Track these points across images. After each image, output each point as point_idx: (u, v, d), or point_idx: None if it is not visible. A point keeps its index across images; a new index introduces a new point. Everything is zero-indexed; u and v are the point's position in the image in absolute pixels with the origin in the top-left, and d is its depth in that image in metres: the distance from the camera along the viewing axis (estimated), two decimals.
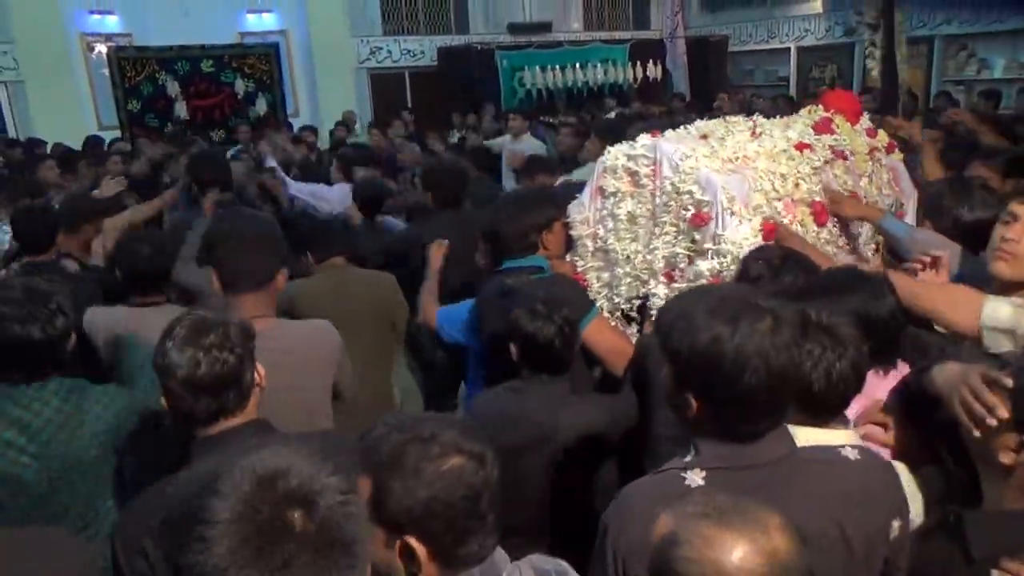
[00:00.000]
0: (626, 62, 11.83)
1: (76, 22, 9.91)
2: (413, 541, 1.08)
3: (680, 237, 2.34)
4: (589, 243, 2.59)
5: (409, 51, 11.98)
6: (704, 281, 2.21)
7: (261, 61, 10.53)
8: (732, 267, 2.15)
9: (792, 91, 11.79)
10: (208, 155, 5.31)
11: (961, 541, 1.27)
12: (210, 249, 2.19)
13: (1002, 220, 1.93)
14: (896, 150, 2.97)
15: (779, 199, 2.32)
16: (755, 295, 1.30)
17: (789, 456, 1.28)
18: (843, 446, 1.35)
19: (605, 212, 2.54)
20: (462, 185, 3.89)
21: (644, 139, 2.51)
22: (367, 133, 9.06)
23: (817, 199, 2.44)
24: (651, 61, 11.95)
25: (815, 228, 2.41)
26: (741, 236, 2.20)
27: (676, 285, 2.31)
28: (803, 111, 2.91)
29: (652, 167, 2.42)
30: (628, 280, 2.48)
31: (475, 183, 4.52)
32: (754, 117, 2.84)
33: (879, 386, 1.66)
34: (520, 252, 2.48)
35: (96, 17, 10.10)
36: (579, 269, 2.63)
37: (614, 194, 2.51)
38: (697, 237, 2.30)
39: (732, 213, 2.24)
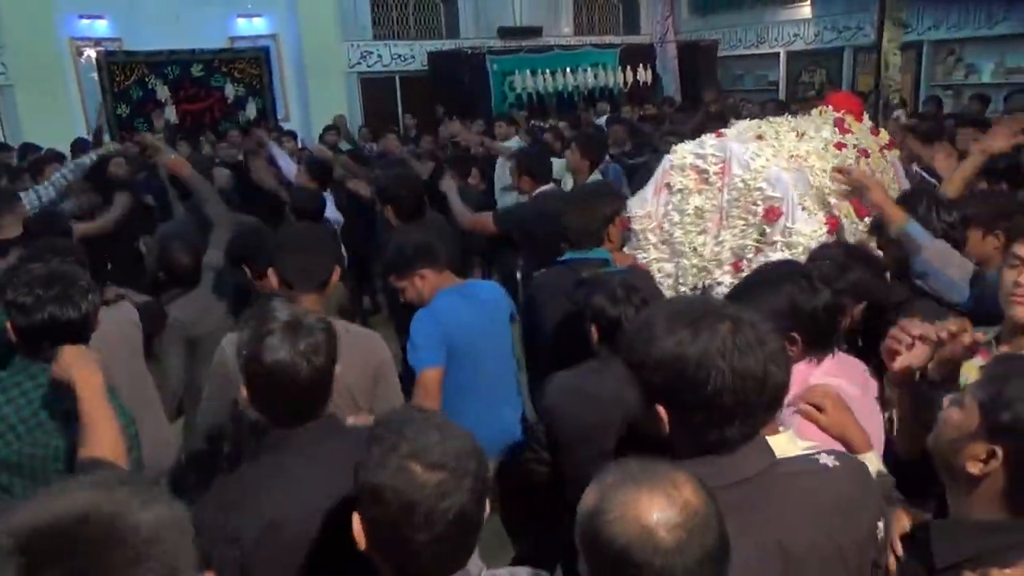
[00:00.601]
0: (616, 66, 11.85)
1: (66, 27, 9.86)
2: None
3: (749, 230, 2.54)
4: (652, 236, 2.78)
5: (400, 56, 11.97)
6: None
7: (251, 65, 10.51)
8: (802, 257, 2.28)
9: (781, 95, 11.83)
10: (194, 160, 5.29)
11: (926, 551, 1.28)
12: (277, 250, 2.35)
13: (1008, 264, 1.88)
14: (895, 148, 3.15)
15: (833, 194, 2.54)
16: (713, 301, 1.30)
17: (771, 469, 1.26)
18: (819, 453, 1.34)
19: (671, 207, 2.73)
20: (420, 193, 3.79)
21: (711, 139, 2.75)
22: (358, 136, 9.12)
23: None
24: (641, 65, 11.98)
25: (857, 220, 2.58)
26: (811, 229, 2.44)
27: (743, 274, 2.44)
28: (815, 111, 3.09)
29: (721, 165, 2.63)
30: (694, 270, 2.66)
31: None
32: (786, 117, 3.04)
33: (812, 374, 1.71)
34: (588, 244, 2.67)
35: (86, 22, 10.06)
36: (641, 260, 2.77)
37: (681, 190, 2.71)
38: (767, 230, 2.50)
39: (803, 208, 2.47)
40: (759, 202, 2.53)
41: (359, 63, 11.70)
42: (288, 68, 11.31)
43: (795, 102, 9.99)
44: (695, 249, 2.67)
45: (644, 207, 2.83)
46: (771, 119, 3.01)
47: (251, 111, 10.41)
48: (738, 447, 1.24)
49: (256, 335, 1.52)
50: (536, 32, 12.70)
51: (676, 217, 2.71)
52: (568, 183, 4.70)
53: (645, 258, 2.81)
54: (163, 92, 9.91)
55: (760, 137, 2.72)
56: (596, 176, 4.69)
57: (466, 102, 10.47)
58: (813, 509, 1.24)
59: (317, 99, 11.03)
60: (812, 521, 1.23)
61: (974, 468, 1.25)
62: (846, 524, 1.26)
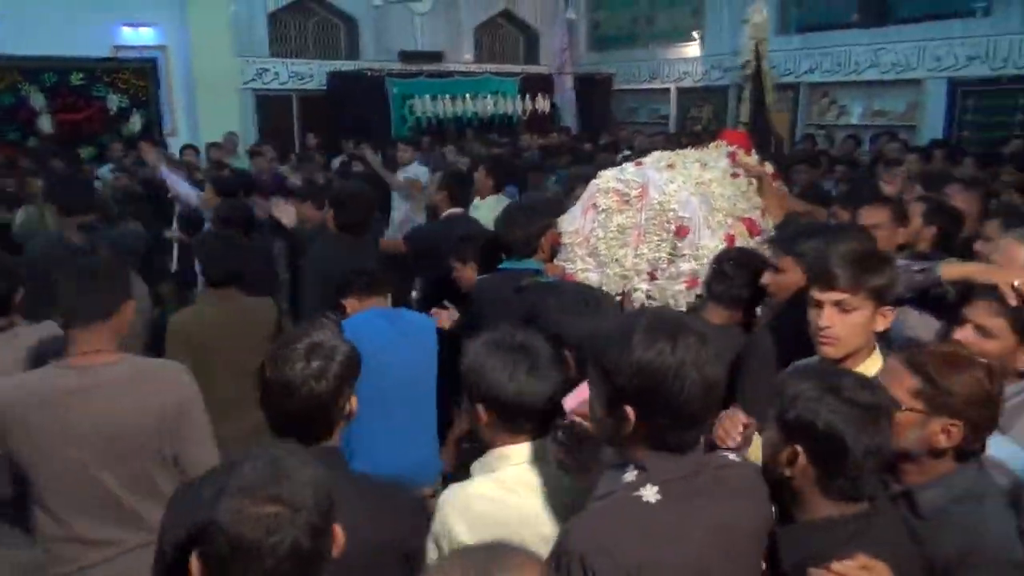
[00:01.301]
0: (516, 95, 12.04)
1: None
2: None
3: (663, 244, 2.97)
4: (579, 249, 3.10)
5: (297, 74, 11.76)
6: (684, 278, 2.89)
7: (136, 76, 10.05)
8: (705, 266, 2.74)
9: (672, 128, 12.33)
10: (68, 178, 4.97)
11: (773, 555, 1.43)
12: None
13: (812, 305, 1.97)
14: (779, 179, 3.65)
15: (729, 215, 3.00)
16: (683, 317, 1.43)
17: (707, 462, 1.41)
18: (723, 452, 1.51)
19: (597, 224, 3.09)
20: (370, 212, 3.83)
21: (631, 167, 3.19)
22: (247, 155, 8.84)
23: (747, 216, 3.08)
24: (540, 95, 12.22)
25: (749, 238, 3.02)
26: (714, 244, 2.88)
27: (657, 282, 2.95)
28: (712, 146, 3.52)
29: (639, 189, 3.04)
30: (617, 278, 3.02)
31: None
32: (689, 150, 3.49)
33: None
34: (524, 255, 3.01)
35: None
36: (570, 271, 3.08)
37: (605, 210, 3.08)
38: (678, 245, 2.93)
39: (708, 227, 2.93)
40: (672, 221, 2.96)
41: (254, 79, 11.43)
42: (177, 81, 10.86)
43: (685, 135, 10.43)
44: (617, 260, 3.04)
45: (573, 224, 3.16)
46: (678, 152, 3.41)
47: (135, 124, 9.93)
48: (691, 448, 1.37)
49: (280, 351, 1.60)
50: (437, 57, 12.76)
51: (601, 233, 3.07)
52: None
53: (573, 268, 3.11)
54: (38, 100, 9.31)
55: (671, 166, 3.16)
56: (500, 196, 4.83)
57: (365, 124, 10.36)
58: (740, 493, 1.40)
59: (208, 114, 10.63)
60: (742, 503, 1.39)
61: (788, 471, 1.42)
62: (760, 503, 1.44)
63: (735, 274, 2.52)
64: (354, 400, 1.67)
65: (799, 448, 1.39)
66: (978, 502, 1.53)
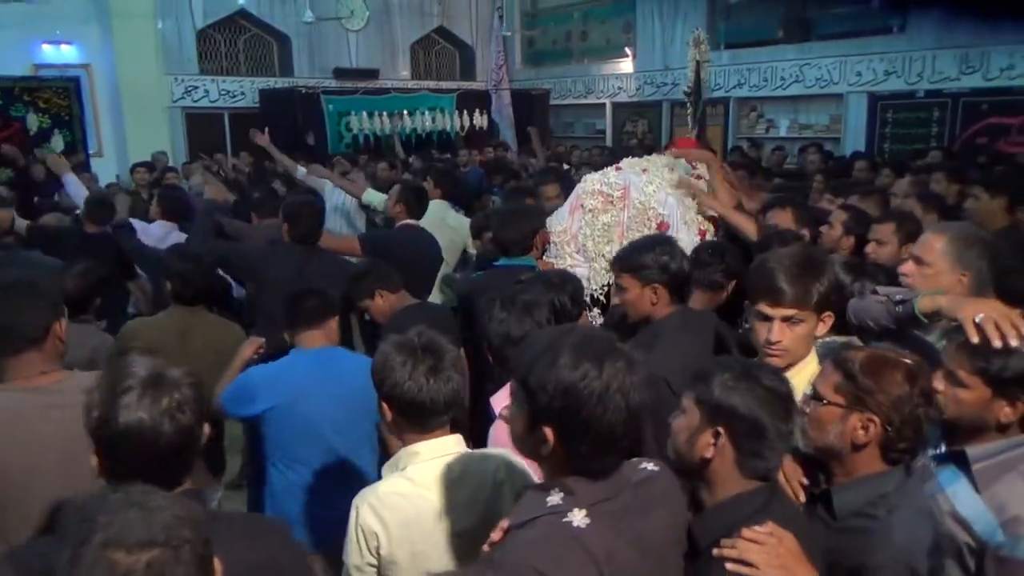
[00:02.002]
0: (453, 111, 12.03)
1: None
2: None
3: None
4: (568, 247, 3.49)
5: (228, 92, 11.58)
6: None
7: (58, 95, 9.65)
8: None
9: (608, 142, 12.50)
10: None
11: (690, 538, 1.47)
12: None
13: (759, 319, 2.02)
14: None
15: (699, 214, 3.49)
16: (613, 337, 1.38)
17: (628, 478, 1.40)
18: (643, 461, 1.48)
19: (584, 223, 3.48)
20: (321, 222, 3.88)
21: (612, 171, 3.60)
22: (180, 173, 8.59)
23: (713, 215, 3.53)
24: (477, 111, 12.23)
25: (716, 235, 3.50)
26: (689, 239, 3.29)
27: None
28: (666, 153, 3.89)
29: (621, 191, 3.46)
30: (603, 272, 3.37)
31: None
32: (655, 156, 3.88)
33: None
34: (518, 253, 3.34)
35: None
36: (559, 266, 3.38)
37: (592, 210, 3.48)
38: None
39: (684, 223, 3.39)
40: (652, 219, 3.39)
41: (183, 98, 11.20)
42: (102, 100, 10.50)
43: (620, 149, 10.60)
44: (603, 255, 3.39)
45: (561, 224, 3.57)
46: (647, 157, 3.83)
47: (57, 144, 9.50)
48: (612, 471, 1.35)
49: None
50: (372, 74, 12.70)
51: (588, 231, 3.47)
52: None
53: (563, 264, 3.44)
54: None
55: (645, 170, 3.60)
56: (443, 201, 4.88)
57: (300, 142, 10.20)
58: (661, 503, 1.42)
59: (135, 134, 10.31)
60: (664, 514, 1.42)
61: (708, 452, 1.47)
62: (679, 509, 1.48)
63: (711, 261, 2.86)
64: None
65: (721, 429, 1.47)
66: (889, 511, 1.58)
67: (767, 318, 1.99)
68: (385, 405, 1.71)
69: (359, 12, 12.70)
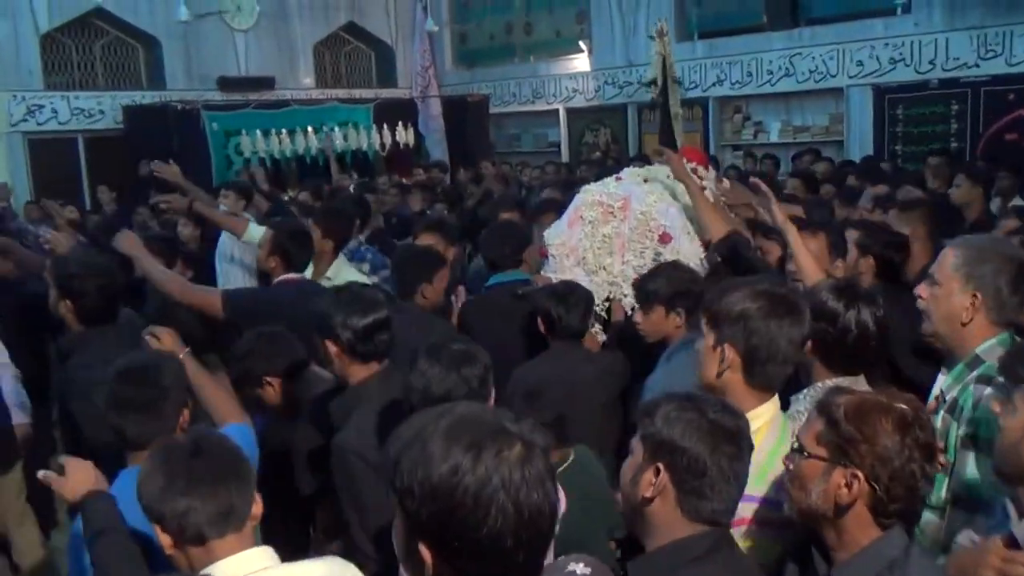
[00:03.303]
0: (371, 125, 11.93)
1: None
2: None
3: (647, 251, 3.90)
4: (567, 260, 4.03)
5: (83, 110, 11.45)
6: None
7: None
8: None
9: (564, 157, 12.56)
10: None
11: None
12: None
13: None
14: None
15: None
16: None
17: None
18: (570, 562, 1.55)
19: (584, 235, 4.02)
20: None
21: (612, 181, 4.22)
22: (23, 213, 8.42)
23: None
24: (400, 124, 12.15)
25: None
26: (693, 249, 3.85)
27: None
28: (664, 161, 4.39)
29: (622, 201, 4.00)
30: (605, 285, 3.93)
31: None
32: (656, 165, 4.40)
33: None
34: (510, 267, 3.99)
35: None
36: (556, 280, 3.88)
37: (592, 221, 4.01)
38: (661, 250, 3.86)
39: (687, 233, 3.88)
40: (654, 229, 3.89)
41: (25, 119, 11.08)
42: None
43: (581, 163, 10.63)
44: (605, 268, 3.94)
45: (560, 237, 4.11)
46: (648, 167, 4.44)
47: None
48: None
49: None
50: (267, 83, 12.64)
51: (588, 243, 3.99)
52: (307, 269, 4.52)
53: (562, 278, 3.91)
54: None
55: (647, 180, 4.16)
56: (341, 261, 4.66)
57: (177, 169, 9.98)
58: None
59: None
60: None
61: (648, 491, 1.63)
62: None
63: (724, 271, 3.31)
64: None
65: (661, 465, 1.62)
66: (902, 571, 1.66)
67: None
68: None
69: (247, 7, 12.66)
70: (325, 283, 4.29)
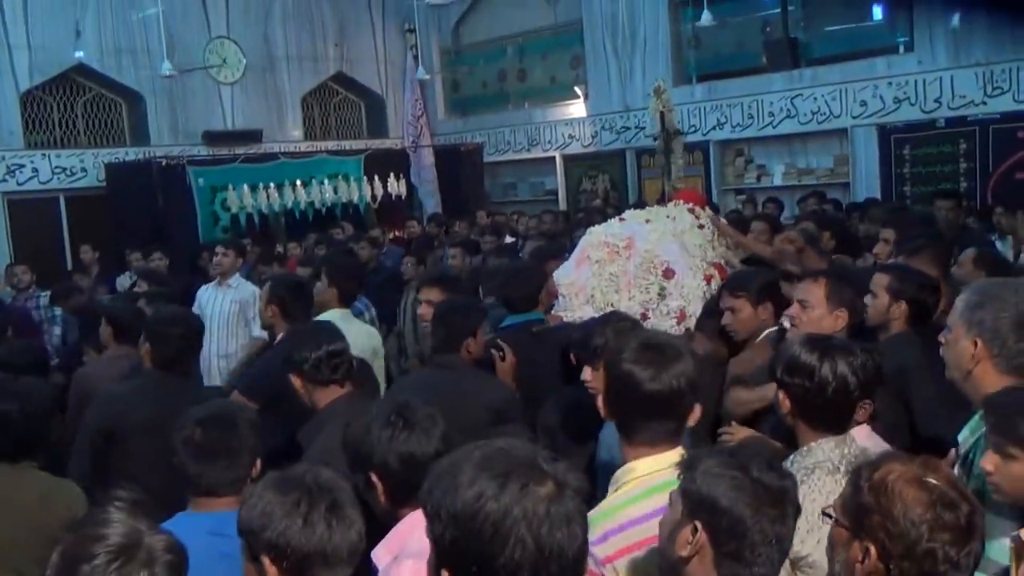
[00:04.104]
0: (361, 177, 11.83)
1: None
2: None
3: (651, 287, 4.23)
4: (576, 299, 4.33)
5: (64, 169, 11.40)
6: (673, 315, 4.19)
7: None
8: (691, 302, 4.17)
9: (562, 205, 12.44)
10: None
11: None
12: None
13: None
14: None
15: (703, 260, 4.35)
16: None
17: None
18: None
19: (591, 274, 4.36)
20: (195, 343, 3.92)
21: (615, 223, 4.66)
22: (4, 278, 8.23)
23: (716, 261, 4.50)
24: (392, 175, 12.03)
25: (719, 280, 4.29)
26: (696, 283, 4.20)
27: (649, 320, 4.10)
28: (670, 204, 4.90)
29: (626, 241, 4.38)
30: None
31: None
32: (656, 207, 4.98)
33: None
34: (527, 309, 4.14)
35: None
36: (569, 318, 4.27)
37: (598, 261, 4.37)
38: (665, 285, 4.21)
39: (690, 268, 4.24)
40: (658, 266, 4.25)
41: (5, 180, 11.03)
42: None
43: (580, 211, 10.50)
44: (612, 304, 4.20)
45: (569, 277, 4.48)
46: (649, 209, 4.94)
47: None
48: None
49: None
50: (255, 137, 12.62)
51: (595, 282, 4.33)
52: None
53: (572, 316, 4.25)
54: None
55: (649, 220, 4.56)
56: (346, 312, 4.70)
57: (161, 227, 9.89)
58: None
59: None
60: None
61: (683, 549, 1.62)
62: None
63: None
64: None
65: (698, 524, 1.60)
66: None
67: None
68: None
69: (233, 60, 12.66)
70: None
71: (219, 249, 6.60)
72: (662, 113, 5.44)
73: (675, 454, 2.05)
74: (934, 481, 1.59)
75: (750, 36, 11.07)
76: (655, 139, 5.59)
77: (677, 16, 11.48)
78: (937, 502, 1.56)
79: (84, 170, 11.49)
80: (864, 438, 2.39)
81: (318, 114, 14.04)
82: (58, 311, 6.97)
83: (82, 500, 3.04)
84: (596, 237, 4.54)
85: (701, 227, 4.57)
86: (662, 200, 6.65)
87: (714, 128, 11.18)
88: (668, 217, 4.58)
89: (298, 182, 11.18)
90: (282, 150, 12.28)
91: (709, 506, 1.59)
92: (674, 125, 5.63)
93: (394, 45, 14.25)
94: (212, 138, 12.30)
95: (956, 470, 2.18)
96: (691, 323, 4.13)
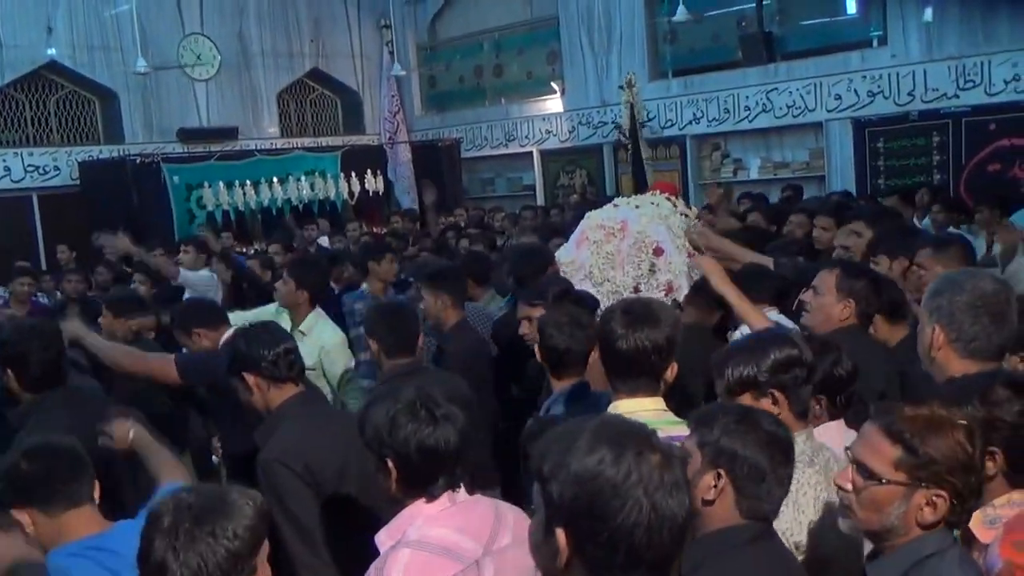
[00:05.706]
0: (338, 173, 11.95)
1: None
2: None
3: (643, 264, 4.66)
4: (576, 276, 4.73)
5: (36, 167, 11.37)
6: (662, 287, 4.57)
7: None
8: (678, 276, 4.61)
9: (540, 200, 12.59)
10: None
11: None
12: None
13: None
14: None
15: (685, 240, 4.78)
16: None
17: None
18: None
19: (590, 253, 4.80)
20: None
21: (610, 208, 5.10)
22: None
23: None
24: (369, 172, 12.18)
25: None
26: (681, 260, 4.64)
27: (641, 293, 4.44)
28: (649, 193, 5.50)
29: (620, 224, 4.81)
30: (609, 294, 4.56)
31: None
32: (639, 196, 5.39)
33: None
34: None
35: None
36: None
37: (596, 241, 4.81)
38: (655, 262, 4.64)
39: (676, 247, 4.67)
40: (649, 245, 4.67)
41: None
42: None
43: (556, 206, 10.66)
44: (609, 280, 4.71)
45: (569, 256, 4.91)
46: (635, 197, 5.40)
47: None
48: None
49: None
50: (230, 134, 12.64)
51: (594, 260, 4.77)
52: (285, 322, 4.46)
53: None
54: None
55: (638, 206, 4.99)
56: (317, 313, 4.66)
57: (137, 225, 9.94)
58: None
59: None
60: None
61: (709, 494, 1.88)
62: None
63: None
64: None
65: (722, 471, 1.87)
66: (940, 557, 1.76)
67: None
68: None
69: (207, 57, 12.70)
70: (299, 337, 4.22)
71: (184, 248, 6.93)
72: (632, 105, 5.74)
73: (651, 401, 2.53)
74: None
75: (725, 31, 11.25)
76: (618, 127, 5.96)
77: (653, 11, 11.65)
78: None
79: (57, 168, 11.48)
80: (822, 434, 2.47)
81: (294, 111, 14.09)
82: None
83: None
84: (594, 221, 4.97)
85: (684, 214, 5.05)
86: (641, 190, 7.08)
87: (690, 123, 11.37)
88: (652, 204, 5.04)
89: (275, 179, 11.30)
90: (258, 147, 12.30)
91: (730, 456, 1.87)
92: (640, 118, 5.95)
93: (370, 41, 14.34)
94: (187, 135, 12.32)
95: None
96: (678, 295, 4.50)
